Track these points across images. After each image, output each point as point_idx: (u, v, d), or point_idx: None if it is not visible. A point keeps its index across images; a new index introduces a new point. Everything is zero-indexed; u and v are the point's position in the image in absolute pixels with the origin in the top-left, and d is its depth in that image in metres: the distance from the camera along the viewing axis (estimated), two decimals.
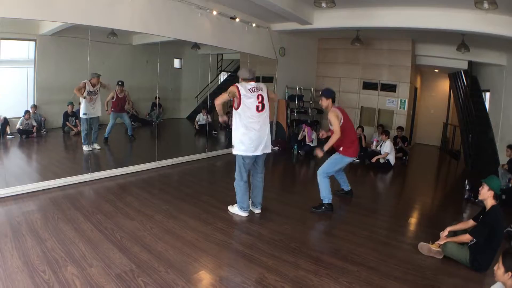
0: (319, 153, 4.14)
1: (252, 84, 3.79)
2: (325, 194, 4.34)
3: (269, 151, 3.92)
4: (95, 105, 6.00)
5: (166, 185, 5.21)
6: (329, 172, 4.41)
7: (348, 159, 4.45)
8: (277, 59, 8.45)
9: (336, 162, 4.44)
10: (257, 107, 3.74)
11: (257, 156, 3.88)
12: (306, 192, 4.89)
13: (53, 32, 5.55)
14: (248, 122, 3.71)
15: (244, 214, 4.01)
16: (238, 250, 3.19)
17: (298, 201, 4.74)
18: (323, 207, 4.33)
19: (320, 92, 4.44)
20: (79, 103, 6.04)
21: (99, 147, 6.28)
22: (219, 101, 3.78)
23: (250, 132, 3.71)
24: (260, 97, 3.76)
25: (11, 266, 2.61)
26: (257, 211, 4.13)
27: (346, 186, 4.99)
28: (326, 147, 4.15)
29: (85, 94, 5.75)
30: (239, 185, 3.94)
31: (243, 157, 3.82)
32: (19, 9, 4.08)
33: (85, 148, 6.03)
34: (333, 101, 4.35)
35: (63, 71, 6.09)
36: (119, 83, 6.53)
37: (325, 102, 4.33)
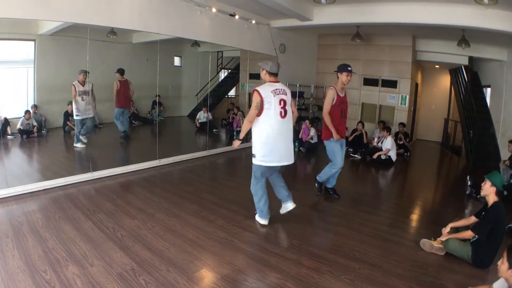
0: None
1: (276, 85, 3.46)
2: (322, 176, 4.71)
3: (288, 162, 3.56)
4: (88, 106, 5.78)
5: (167, 183, 5.21)
6: (334, 162, 4.54)
7: (334, 142, 4.47)
8: (277, 56, 8.41)
9: (329, 151, 4.58)
10: (280, 112, 3.41)
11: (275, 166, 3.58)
12: (307, 189, 4.87)
13: (52, 32, 5.54)
14: (270, 130, 3.39)
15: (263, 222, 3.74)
16: (240, 248, 3.19)
17: (300, 198, 4.67)
18: (316, 184, 4.81)
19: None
20: None
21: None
22: (249, 120, 3.40)
23: (269, 140, 3.41)
24: (282, 102, 3.42)
25: (13, 266, 2.61)
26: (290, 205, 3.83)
27: (329, 183, 4.86)
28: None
29: (76, 96, 5.65)
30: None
31: (260, 166, 3.51)
32: (18, 9, 4.07)
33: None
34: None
35: (63, 71, 6.08)
36: (119, 71, 6.30)
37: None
